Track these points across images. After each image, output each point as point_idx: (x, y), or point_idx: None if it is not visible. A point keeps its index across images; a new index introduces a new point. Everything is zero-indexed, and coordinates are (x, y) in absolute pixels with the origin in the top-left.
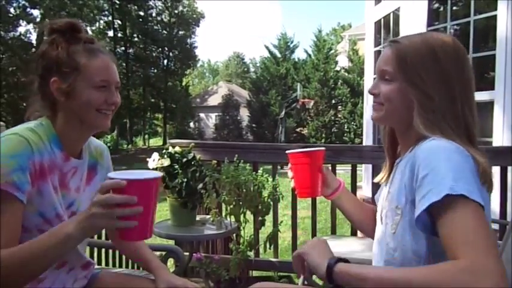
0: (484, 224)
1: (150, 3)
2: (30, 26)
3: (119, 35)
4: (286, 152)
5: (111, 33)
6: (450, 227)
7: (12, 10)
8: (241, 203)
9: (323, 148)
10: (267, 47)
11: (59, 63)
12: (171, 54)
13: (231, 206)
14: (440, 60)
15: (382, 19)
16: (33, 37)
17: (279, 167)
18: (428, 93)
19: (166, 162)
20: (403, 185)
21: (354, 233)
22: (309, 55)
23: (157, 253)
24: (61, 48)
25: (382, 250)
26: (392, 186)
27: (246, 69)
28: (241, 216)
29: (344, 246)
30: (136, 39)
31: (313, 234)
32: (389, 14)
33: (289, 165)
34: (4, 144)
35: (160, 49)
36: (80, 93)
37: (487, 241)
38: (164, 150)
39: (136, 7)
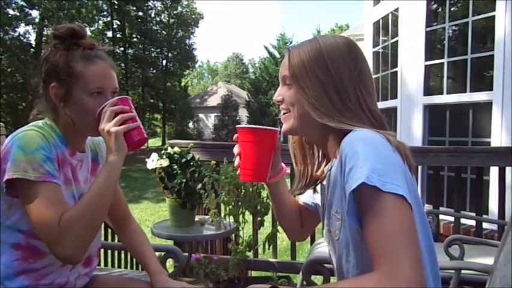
0: (399, 222)
1: (149, 3)
2: (29, 27)
3: (118, 35)
4: (236, 126)
5: (110, 33)
6: (366, 229)
7: (11, 11)
8: (240, 203)
9: (277, 129)
10: (266, 48)
11: (57, 70)
12: (170, 54)
13: (230, 207)
14: (326, 62)
15: (381, 20)
16: (32, 38)
17: None
18: (311, 99)
19: (165, 162)
20: (339, 187)
21: None
22: None
23: (157, 253)
24: (60, 55)
25: (335, 259)
26: (329, 194)
27: (245, 69)
28: (240, 216)
29: None
30: (135, 39)
31: (312, 234)
32: (388, 14)
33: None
34: (24, 140)
35: (159, 50)
36: (75, 100)
37: (399, 245)
38: (163, 151)
39: (135, 8)
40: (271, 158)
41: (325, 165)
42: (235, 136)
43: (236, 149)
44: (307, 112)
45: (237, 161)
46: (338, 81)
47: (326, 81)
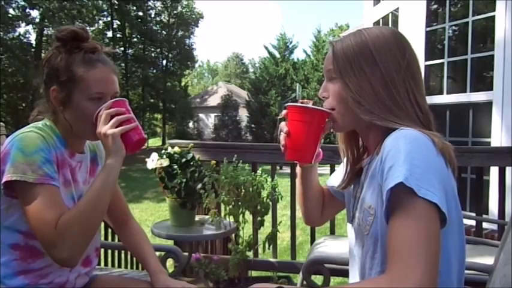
0: (424, 230)
1: (149, 3)
2: (30, 27)
3: (118, 35)
4: (286, 104)
5: (110, 33)
6: (390, 227)
7: (11, 11)
8: (240, 203)
9: (329, 111)
10: (266, 48)
11: (58, 73)
12: (170, 54)
13: (230, 206)
14: (372, 54)
15: (381, 20)
16: (33, 38)
17: (278, 167)
18: (355, 95)
19: (165, 162)
20: (376, 183)
21: None
22: (308, 55)
23: (157, 253)
24: (61, 58)
25: (360, 254)
26: (364, 188)
27: (245, 69)
28: (240, 216)
29: (342, 246)
30: (135, 39)
31: (312, 234)
32: (388, 14)
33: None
34: (23, 142)
35: (159, 49)
36: (75, 105)
37: (418, 251)
38: (163, 151)
39: (135, 7)
40: (320, 139)
41: (365, 158)
42: (283, 112)
43: (284, 127)
44: (352, 109)
45: (282, 139)
46: (386, 74)
47: (372, 75)
